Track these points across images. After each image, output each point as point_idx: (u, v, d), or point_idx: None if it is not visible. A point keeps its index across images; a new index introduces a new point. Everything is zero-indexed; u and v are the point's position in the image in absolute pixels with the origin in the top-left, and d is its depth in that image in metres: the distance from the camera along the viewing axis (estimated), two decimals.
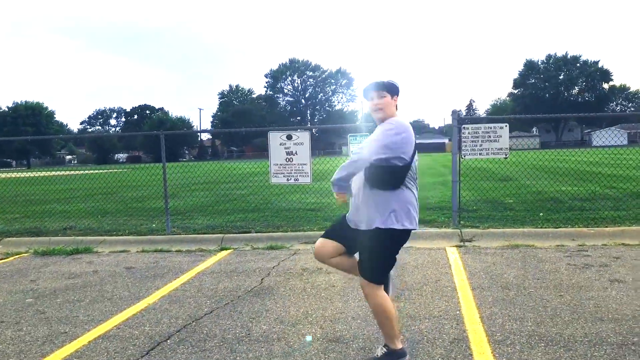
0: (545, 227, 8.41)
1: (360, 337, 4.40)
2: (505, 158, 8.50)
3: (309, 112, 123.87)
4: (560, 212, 9.99)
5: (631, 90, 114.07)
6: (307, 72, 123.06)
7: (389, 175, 3.59)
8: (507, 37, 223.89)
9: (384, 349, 3.81)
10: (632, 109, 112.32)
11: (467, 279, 6.01)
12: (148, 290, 6.10)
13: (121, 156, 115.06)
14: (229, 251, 8.09)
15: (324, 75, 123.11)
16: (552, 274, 6.11)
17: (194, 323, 4.91)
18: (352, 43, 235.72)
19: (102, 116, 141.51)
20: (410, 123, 3.84)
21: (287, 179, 9.14)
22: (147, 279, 6.64)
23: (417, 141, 3.76)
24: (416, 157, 3.71)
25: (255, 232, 9.06)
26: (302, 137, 9.06)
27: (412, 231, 3.72)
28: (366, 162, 3.54)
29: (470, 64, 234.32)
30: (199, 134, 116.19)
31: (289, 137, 9.08)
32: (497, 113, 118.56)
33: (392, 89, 3.73)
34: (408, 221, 3.63)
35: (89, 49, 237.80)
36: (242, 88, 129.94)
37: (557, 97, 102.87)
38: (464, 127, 8.52)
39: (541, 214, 9.33)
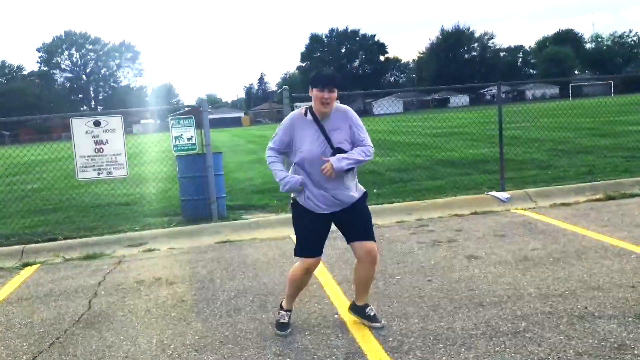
0: (381, 203, 8.36)
1: None
2: None
3: (92, 88, 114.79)
4: (385, 185, 10.12)
5: (402, 61, 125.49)
6: (87, 46, 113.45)
7: None
8: (295, 11, 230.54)
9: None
10: (404, 79, 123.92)
11: (328, 272, 5.55)
12: None
13: None
14: (35, 267, 6.62)
15: (106, 49, 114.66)
16: (409, 255, 5.94)
17: None
18: (134, 15, 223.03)
19: None
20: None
21: (98, 172, 7.83)
22: None
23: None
24: None
25: (64, 239, 7.60)
26: (113, 123, 7.79)
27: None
28: None
29: (260, 39, 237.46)
30: None
31: (97, 124, 7.75)
32: (287, 85, 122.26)
33: (340, 84, 3.92)
34: None
35: None
36: (10, 64, 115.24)
37: (341, 69, 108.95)
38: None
39: (374, 190, 9.30)
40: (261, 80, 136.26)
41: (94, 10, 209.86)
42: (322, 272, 5.49)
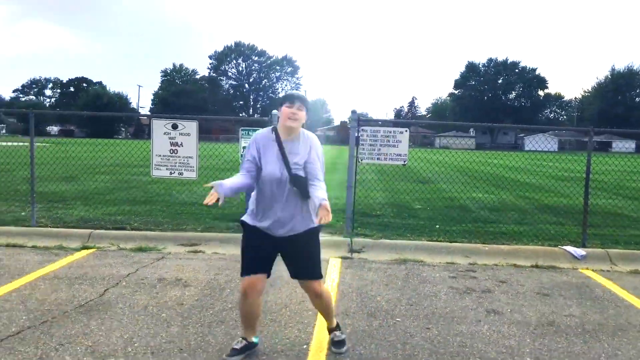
0: (440, 241, 7.93)
1: None
2: (404, 165, 7.95)
3: (252, 97, 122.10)
4: (464, 222, 9.59)
5: (565, 98, 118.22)
6: (253, 57, 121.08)
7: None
8: (451, 38, 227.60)
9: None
10: (564, 116, 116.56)
11: (335, 302, 5.38)
12: None
13: (54, 129, 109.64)
14: (90, 251, 7.18)
15: (269, 62, 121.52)
16: (429, 299, 5.57)
17: None
18: (298, 32, 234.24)
19: (36, 85, 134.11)
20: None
21: (171, 172, 8.28)
22: None
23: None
24: None
25: (131, 229, 8.17)
26: (189, 128, 8.22)
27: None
28: None
29: (414, 62, 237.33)
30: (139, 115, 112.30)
31: (175, 127, 8.22)
32: (437, 112, 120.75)
33: (310, 107, 3.90)
34: None
35: (25, 16, 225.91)
36: (186, 68, 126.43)
37: (495, 100, 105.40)
38: (362, 129, 7.90)
39: (437, 225, 8.86)
40: (412, 103, 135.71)
41: (264, 25, 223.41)
42: None
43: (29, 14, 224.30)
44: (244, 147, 8.29)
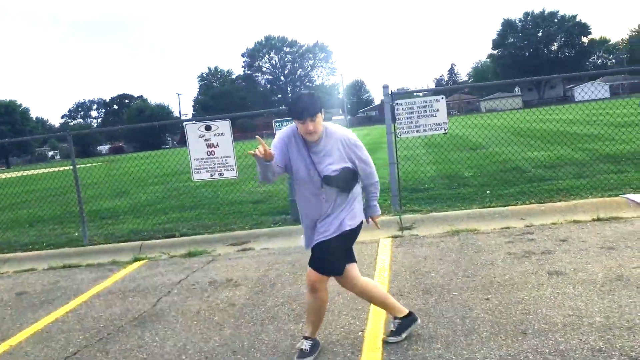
0: (493, 207, 7.61)
1: None
2: (445, 133, 7.66)
3: (289, 89, 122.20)
4: (519, 184, 9.20)
5: (611, 42, 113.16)
6: (285, 49, 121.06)
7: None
8: None
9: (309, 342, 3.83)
10: (613, 60, 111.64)
11: (387, 283, 5.21)
12: (22, 325, 5.26)
13: (103, 148, 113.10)
14: (141, 262, 7.24)
15: (301, 51, 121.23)
16: (486, 268, 5.31)
17: None
18: (326, 15, 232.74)
19: (82, 108, 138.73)
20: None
21: (211, 174, 8.26)
22: (31, 308, 5.79)
23: None
24: None
25: (179, 236, 8.20)
26: (222, 127, 8.16)
27: None
28: None
29: (449, 28, 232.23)
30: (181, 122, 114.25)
31: (208, 128, 8.18)
32: (478, 75, 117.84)
33: (321, 105, 3.58)
34: None
35: (67, 38, 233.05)
36: (221, 70, 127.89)
37: (537, 54, 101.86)
38: (396, 103, 7.64)
39: (488, 191, 8.52)
40: (451, 70, 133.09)
41: (291, 15, 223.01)
42: (382, 283, 5.18)
43: (62, 36, 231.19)
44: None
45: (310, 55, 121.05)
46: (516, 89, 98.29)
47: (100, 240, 8.53)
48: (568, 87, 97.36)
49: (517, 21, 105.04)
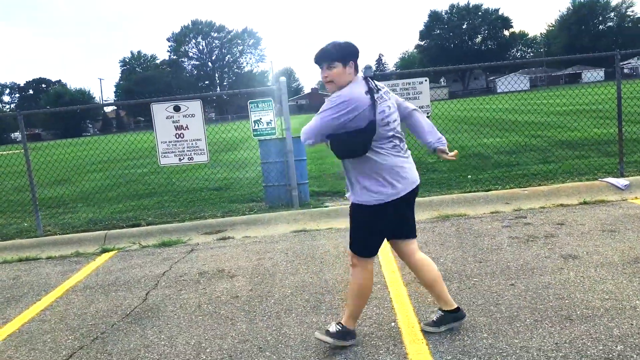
0: (475, 191, 7.55)
1: None
2: (428, 116, 7.49)
3: (217, 75, 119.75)
4: (487, 170, 9.23)
5: (529, 36, 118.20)
6: (212, 34, 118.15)
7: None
8: None
9: (338, 326, 3.54)
10: (531, 54, 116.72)
11: (398, 270, 4.97)
12: None
13: (18, 135, 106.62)
14: (111, 253, 6.65)
15: (229, 36, 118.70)
16: (495, 252, 5.18)
17: None
18: (256, 1, 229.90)
19: None
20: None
21: (180, 158, 7.75)
22: None
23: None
24: (391, 117, 3.38)
25: (146, 225, 7.62)
26: (193, 108, 7.65)
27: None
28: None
29: (377, 18, 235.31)
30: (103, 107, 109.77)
31: (177, 109, 7.64)
32: (406, 66, 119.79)
33: (344, 55, 3.25)
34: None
35: None
36: (145, 54, 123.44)
37: (462, 46, 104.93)
38: None
39: (469, 175, 8.48)
40: (379, 61, 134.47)
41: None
42: (391, 270, 4.94)
43: None
44: (255, 121, 7.78)
45: (239, 42, 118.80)
46: (442, 79, 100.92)
47: (56, 231, 7.82)
48: (490, 78, 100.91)
49: (443, 13, 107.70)
